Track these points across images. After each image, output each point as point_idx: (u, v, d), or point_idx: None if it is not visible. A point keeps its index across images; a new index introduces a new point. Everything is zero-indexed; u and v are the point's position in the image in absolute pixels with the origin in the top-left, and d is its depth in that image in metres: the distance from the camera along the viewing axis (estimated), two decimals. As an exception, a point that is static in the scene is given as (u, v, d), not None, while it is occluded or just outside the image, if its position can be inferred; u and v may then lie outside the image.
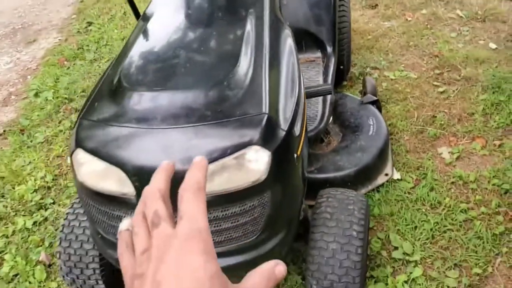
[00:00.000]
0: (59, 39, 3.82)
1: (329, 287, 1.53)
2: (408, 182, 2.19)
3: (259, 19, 1.60)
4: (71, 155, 1.35)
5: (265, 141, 1.23)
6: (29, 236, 2.16)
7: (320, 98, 2.15)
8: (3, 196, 2.39)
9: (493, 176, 2.18)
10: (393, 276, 1.82)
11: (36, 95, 3.10)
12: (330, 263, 1.52)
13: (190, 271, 0.38)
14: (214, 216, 1.25)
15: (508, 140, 2.39)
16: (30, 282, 1.96)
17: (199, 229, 0.41)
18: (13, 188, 2.42)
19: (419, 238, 1.95)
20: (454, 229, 1.97)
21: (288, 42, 1.62)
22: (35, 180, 2.43)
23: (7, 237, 2.17)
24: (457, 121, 2.55)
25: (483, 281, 1.80)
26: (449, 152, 2.36)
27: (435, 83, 2.85)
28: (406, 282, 1.78)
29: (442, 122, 2.52)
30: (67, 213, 1.74)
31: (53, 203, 2.32)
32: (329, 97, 2.14)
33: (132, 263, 0.44)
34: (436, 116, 2.57)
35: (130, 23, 3.79)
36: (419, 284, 1.78)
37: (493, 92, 2.68)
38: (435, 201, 2.08)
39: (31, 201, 2.31)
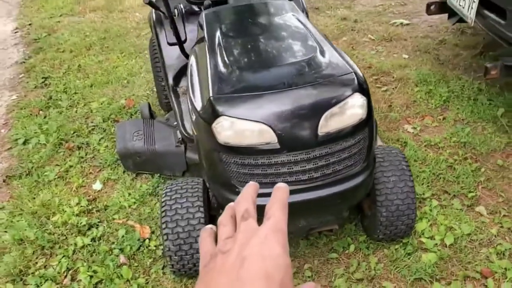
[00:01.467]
0: (17, 96, 3.84)
1: (396, 210, 2.01)
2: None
3: (300, 16, 2.12)
4: (210, 125, 1.66)
5: (360, 89, 1.71)
6: (94, 250, 2.26)
7: None
8: (43, 226, 2.43)
9: (451, 137, 2.89)
10: (418, 209, 2.35)
11: (25, 142, 3.14)
12: (394, 191, 2.00)
13: (273, 255, 0.45)
14: (337, 149, 1.67)
15: (447, 114, 3.15)
16: (115, 284, 2.09)
17: (282, 229, 0.48)
18: (48, 219, 2.49)
19: (423, 183, 2.52)
20: (444, 173, 2.59)
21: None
22: (70, 207, 2.52)
23: (68, 257, 2.25)
24: (406, 108, 3.27)
25: (477, 201, 2.42)
26: (412, 128, 3.04)
27: (377, 85, 3.58)
28: (430, 210, 2.32)
29: (398, 109, 3.22)
30: (163, 201, 1.97)
31: (100, 221, 2.44)
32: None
33: (212, 248, 0.51)
34: (391, 105, 3.26)
35: (91, 72, 3.99)
36: (438, 210, 2.34)
37: (423, 85, 3.48)
38: (422, 157, 2.70)
39: (76, 225, 2.41)
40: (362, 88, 1.72)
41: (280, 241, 0.47)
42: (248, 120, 1.62)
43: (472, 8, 2.60)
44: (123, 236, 2.32)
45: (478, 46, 4.03)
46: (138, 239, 2.28)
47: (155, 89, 3.64)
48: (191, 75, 1.99)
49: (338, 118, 1.66)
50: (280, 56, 1.85)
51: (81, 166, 2.88)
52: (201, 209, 1.94)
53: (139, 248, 2.25)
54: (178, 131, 2.59)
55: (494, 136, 2.87)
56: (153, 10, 3.02)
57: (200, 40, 2.13)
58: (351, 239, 2.22)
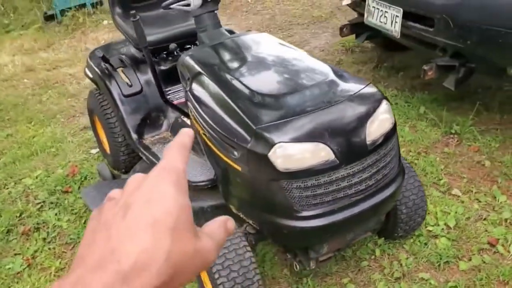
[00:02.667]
0: None
1: (413, 205, 2.18)
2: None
3: (291, 45, 2.22)
4: (266, 155, 1.63)
5: (384, 97, 1.86)
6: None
7: None
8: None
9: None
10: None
11: (-40, 237, 2.64)
12: (408, 188, 2.18)
13: (160, 199, 0.39)
14: (383, 154, 1.78)
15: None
16: None
17: (175, 165, 0.42)
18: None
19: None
20: (419, 159, 2.87)
21: None
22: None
23: None
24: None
25: (449, 185, 2.73)
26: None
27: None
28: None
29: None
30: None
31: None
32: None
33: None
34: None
35: (6, 148, 3.51)
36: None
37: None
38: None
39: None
40: (384, 96, 1.87)
41: (172, 180, 0.41)
42: (304, 142, 1.64)
43: (396, 22, 2.98)
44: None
45: (371, 60, 4.56)
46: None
47: (92, 151, 3.37)
48: (206, 115, 1.92)
49: (377, 125, 1.77)
50: (302, 79, 1.90)
51: (49, 248, 2.52)
52: (248, 248, 1.88)
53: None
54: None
55: (429, 130, 3.27)
56: (92, 64, 2.84)
57: (194, 79, 2.07)
58: (372, 245, 2.32)
